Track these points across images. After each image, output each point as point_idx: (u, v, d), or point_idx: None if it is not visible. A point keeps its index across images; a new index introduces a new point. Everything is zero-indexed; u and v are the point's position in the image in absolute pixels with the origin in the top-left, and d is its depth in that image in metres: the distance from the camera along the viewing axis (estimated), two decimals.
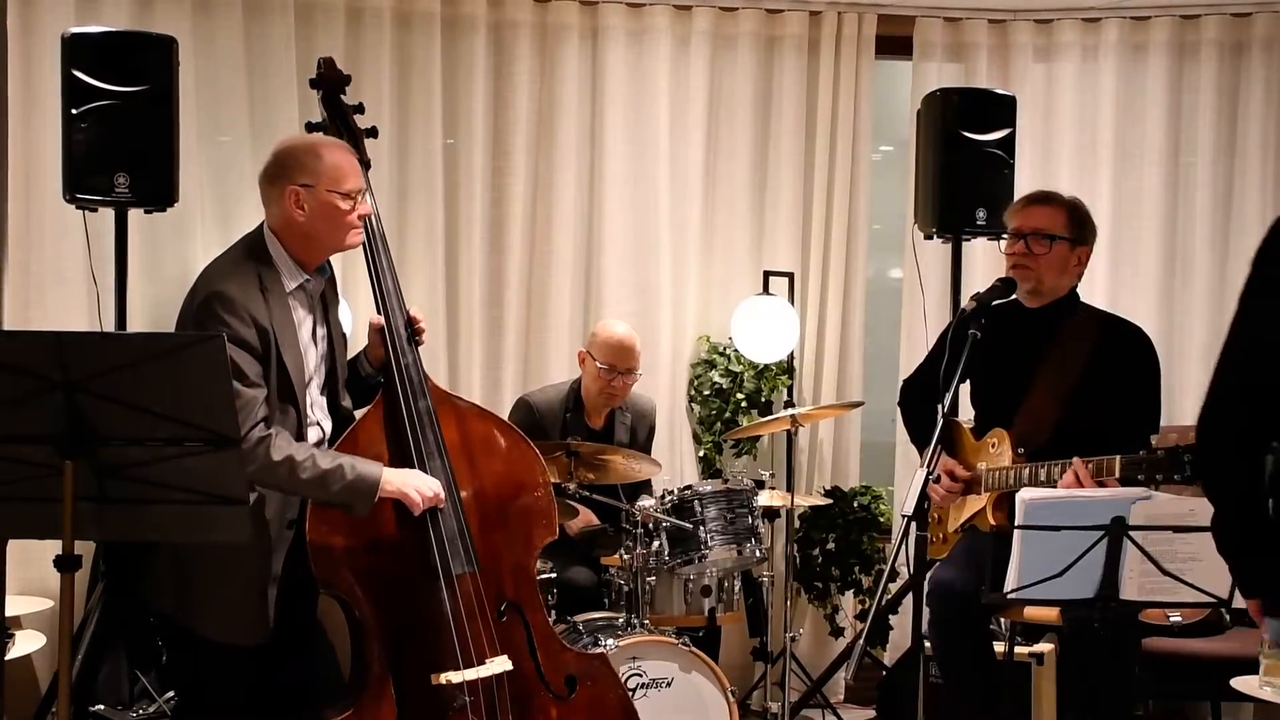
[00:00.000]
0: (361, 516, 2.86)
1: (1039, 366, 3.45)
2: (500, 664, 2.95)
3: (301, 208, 2.90)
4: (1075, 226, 3.45)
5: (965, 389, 3.69)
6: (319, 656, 3.21)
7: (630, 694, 3.57)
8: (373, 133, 3.21)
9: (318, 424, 3.00)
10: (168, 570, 2.89)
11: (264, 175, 2.98)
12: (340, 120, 3.17)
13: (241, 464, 2.57)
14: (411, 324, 3.09)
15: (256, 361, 2.82)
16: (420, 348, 3.10)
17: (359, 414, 3.07)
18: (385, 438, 2.97)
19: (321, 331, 3.03)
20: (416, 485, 2.90)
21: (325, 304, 3.07)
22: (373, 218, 3.08)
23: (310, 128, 3.19)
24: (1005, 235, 3.52)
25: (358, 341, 3.23)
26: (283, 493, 2.88)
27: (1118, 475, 3.05)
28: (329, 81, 3.19)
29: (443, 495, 2.93)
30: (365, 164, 3.13)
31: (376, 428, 2.98)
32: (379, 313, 3.06)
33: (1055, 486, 3.15)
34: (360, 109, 3.22)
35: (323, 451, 2.90)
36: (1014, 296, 3.41)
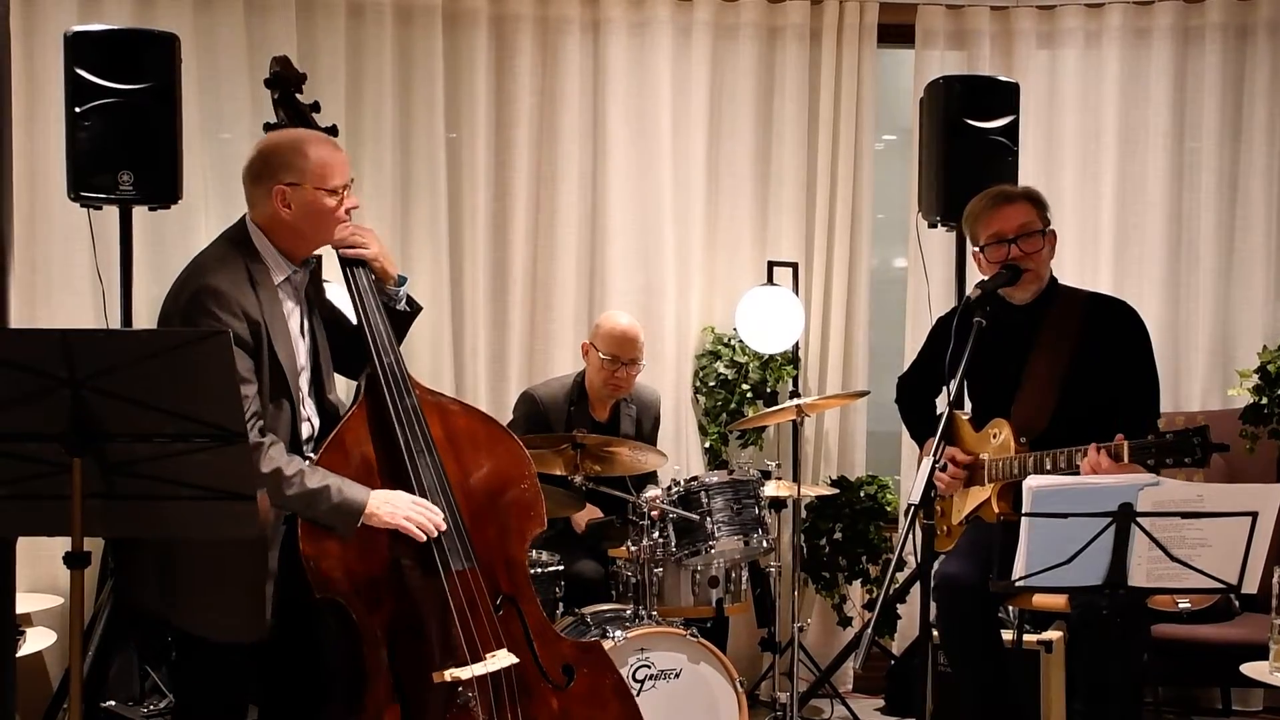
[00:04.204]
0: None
1: (1031, 356, 3.44)
2: (505, 658, 2.93)
3: (288, 206, 2.87)
4: (1043, 212, 3.45)
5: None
6: (322, 654, 3.20)
7: (638, 685, 3.59)
8: (333, 131, 3.08)
9: (308, 420, 2.97)
10: (153, 567, 2.82)
11: (248, 173, 2.93)
12: (299, 121, 3.07)
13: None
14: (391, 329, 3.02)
15: (247, 356, 2.78)
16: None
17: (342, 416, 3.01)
18: (371, 438, 2.92)
19: (307, 325, 3.00)
20: (407, 514, 2.84)
21: (309, 299, 3.02)
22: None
23: (268, 128, 3.09)
24: (982, 244, 3.45)
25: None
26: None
27: (1126, 460, 3.05)
28: (285, 81, 3.08)
29: (438, 516, 2.88)
30: None
31: (362, 428, 2.93)
32: (357, 317, 3.00)
33: (1062, 474, 3.15)
34: (316, 107, 3.11)
35: (312, 469, 2.83)
36: (998, 291, 3.39)
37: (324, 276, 3.15)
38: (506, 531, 3.07)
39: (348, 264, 3.02)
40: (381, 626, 2.89)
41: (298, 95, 3.08)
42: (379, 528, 2.83)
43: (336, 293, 3.20)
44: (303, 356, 2.96)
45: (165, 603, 2.83)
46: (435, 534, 2.87)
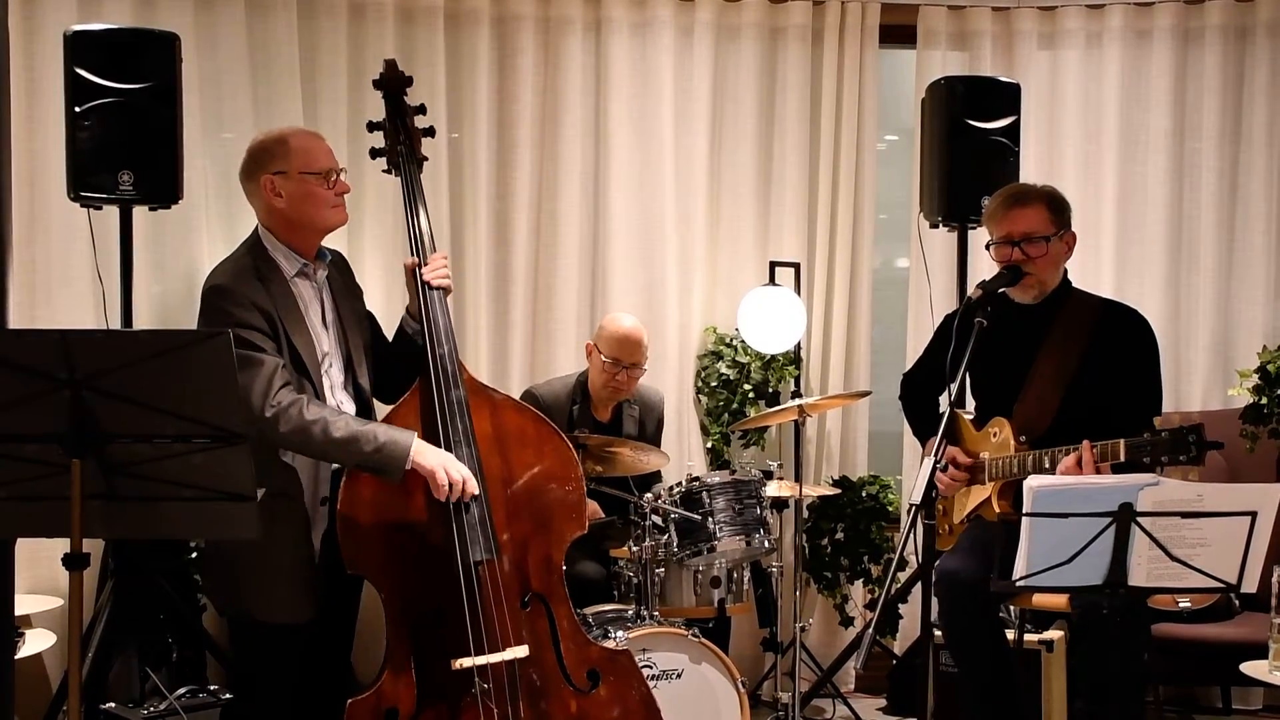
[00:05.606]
0: (394, 484, 2.91)
1: (1037, 356, 3.44)
2: (515, 650, 2.96)
3: (279, 195, 3.01)
4: (1058, 216, 3.44)
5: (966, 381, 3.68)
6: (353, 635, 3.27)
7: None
8: (430, 132, 3.31)
9: (339, 406, 3.05)
10: (217, 563, 3.00)
11: (241, 174, 3.10)
12: (399, 120, 3.25)
13: (274, 429, 2.77)
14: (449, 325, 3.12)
15: (268, 338, 2.91)
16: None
17: (381, 404, 3.11)
18: (420, 425, 3.02)
19: (332, 315, 3.10)
20: (447, 467, 2.92)
21: (334, 289, 3.13)
22: (424, 215, 3.18)
23: (371, 127, 3.30)
24: (993, 241, 3.46)
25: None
26: (313, 456, 2.93)
27: (1123, 458, 3.05)
28: (391, 82, 3.29)
29: (473, 485, 2.94)
30: (419, 161, 3.26)
31: (412, 415, 3.04)
32: (417, 304, 3.11)
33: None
34: (422, 109, 3.31)
35: (355, 417, 2.98)
36: (1004, 291, 3.39)
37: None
38: (543, 530, 3.11)
39: (425, 284, 3.14)
40: (405, 607, 2.97)
41: (404, 97, 3.29)
42: (417, 481, 2.92)
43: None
44: (326, 345, 3.06)
45: (232, 596, 3.00)
46: (457, 499, 2.93)
